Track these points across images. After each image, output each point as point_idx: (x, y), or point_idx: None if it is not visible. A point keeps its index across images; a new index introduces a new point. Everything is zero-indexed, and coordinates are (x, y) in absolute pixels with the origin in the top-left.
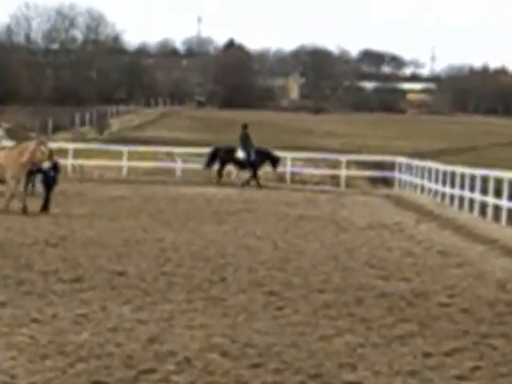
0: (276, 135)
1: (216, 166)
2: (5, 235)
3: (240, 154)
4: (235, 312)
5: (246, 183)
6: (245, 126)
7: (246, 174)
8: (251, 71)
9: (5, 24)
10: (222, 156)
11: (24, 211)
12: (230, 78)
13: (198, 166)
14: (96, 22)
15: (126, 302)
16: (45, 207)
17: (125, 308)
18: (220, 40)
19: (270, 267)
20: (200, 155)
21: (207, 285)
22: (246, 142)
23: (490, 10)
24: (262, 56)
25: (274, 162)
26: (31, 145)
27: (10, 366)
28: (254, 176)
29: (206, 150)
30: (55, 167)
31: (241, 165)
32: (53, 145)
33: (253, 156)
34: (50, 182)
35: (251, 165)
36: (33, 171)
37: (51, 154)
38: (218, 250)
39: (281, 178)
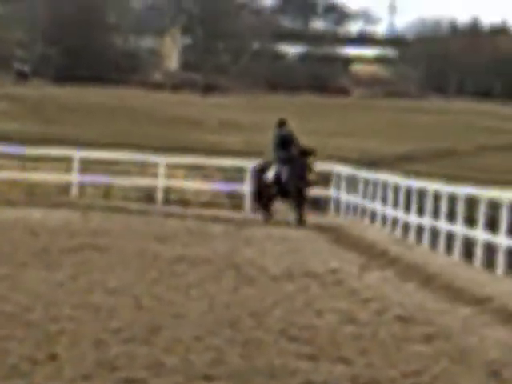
0: (142, 128)
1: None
2: None
3: (269, 174)
4: None
5: (298, 220)
6: (282, 123)
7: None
8: (104, 25)
9: None
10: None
11: None
12: (70, 36)
13: (13, 174)
14: None
15: None
16: None
17: None
18: None
19: (129, 339)
20: (36, 159)
21: (28, 366)
22: (284, 153)
23: None
24: (122, 2)
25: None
26: None
27: None
28: (298, 207)
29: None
30: None
31: (279, 192)
32: None
33: (285, 172)
34: None
35: (282, 188)
36: None
37: None
38: (47, 311)
39: (148, 197)
